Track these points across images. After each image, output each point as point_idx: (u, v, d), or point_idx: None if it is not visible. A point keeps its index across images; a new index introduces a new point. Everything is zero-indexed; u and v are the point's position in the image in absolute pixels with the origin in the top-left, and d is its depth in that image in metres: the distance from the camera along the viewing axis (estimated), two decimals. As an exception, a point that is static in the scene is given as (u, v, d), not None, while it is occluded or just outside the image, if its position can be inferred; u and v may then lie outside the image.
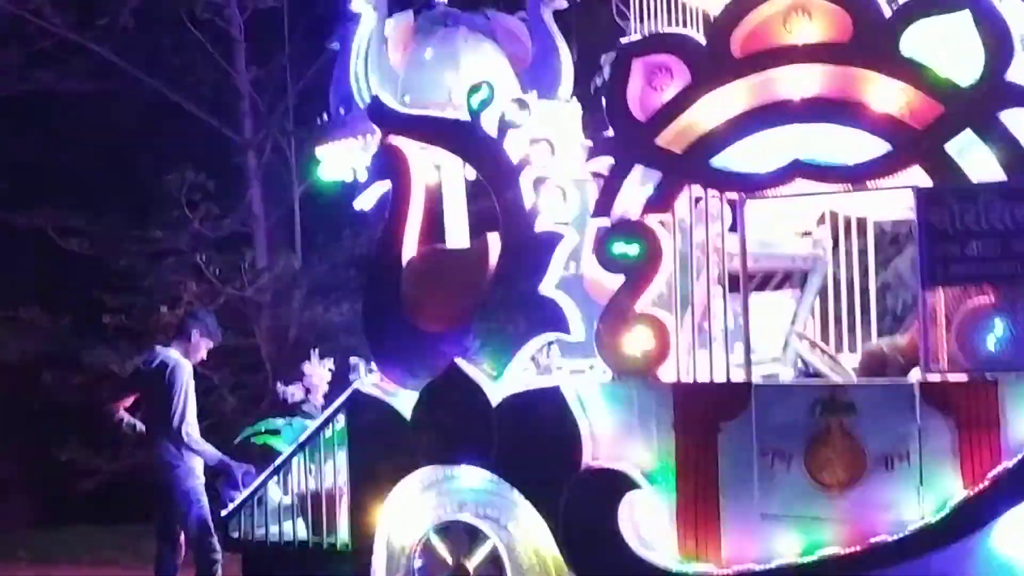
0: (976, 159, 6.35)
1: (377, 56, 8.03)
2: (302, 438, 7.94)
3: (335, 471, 7.79)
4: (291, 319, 15.02)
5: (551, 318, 7.25)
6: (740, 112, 6.83)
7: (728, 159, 6.86)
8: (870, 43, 6.50)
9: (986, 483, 6.18)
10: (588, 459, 7.07)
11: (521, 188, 7.34)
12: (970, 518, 6.20)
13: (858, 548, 6.43)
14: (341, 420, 7.77)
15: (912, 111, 6.41)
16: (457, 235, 8.18)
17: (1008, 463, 6.16)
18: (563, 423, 7.10)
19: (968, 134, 6.33)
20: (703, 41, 6.95)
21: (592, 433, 7.09)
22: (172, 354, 8.42)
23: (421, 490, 7.55)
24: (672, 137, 7.00)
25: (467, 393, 7.33)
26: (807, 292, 8.52)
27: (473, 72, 7.98)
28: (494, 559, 7.33)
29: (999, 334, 6.22)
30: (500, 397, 7.28)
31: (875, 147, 6.54)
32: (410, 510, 7.56)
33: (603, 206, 7.13)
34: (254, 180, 16.08)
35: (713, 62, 6.88)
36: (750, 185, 6.83)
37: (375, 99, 7.78)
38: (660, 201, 7.02)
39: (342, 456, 7.79)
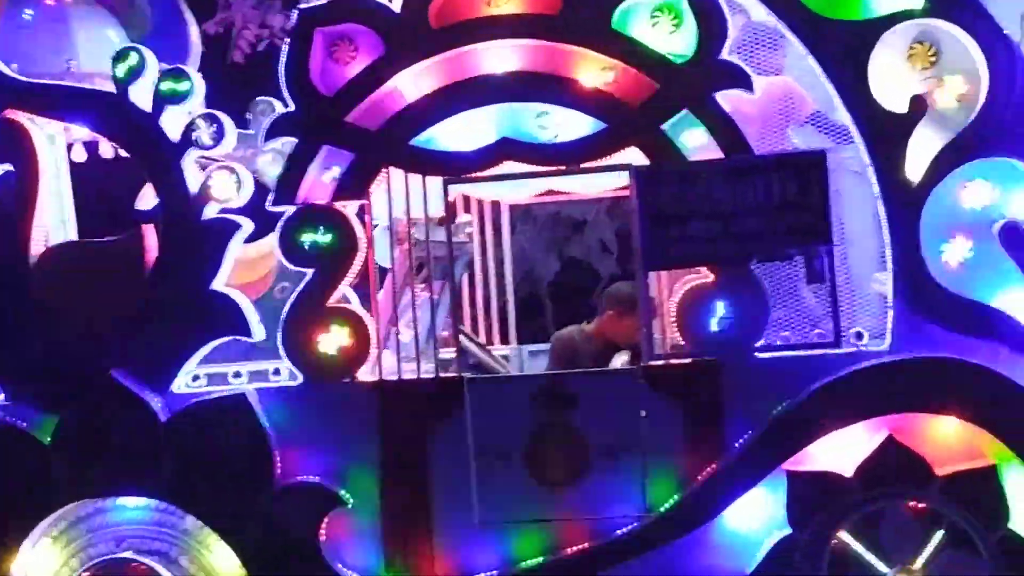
0: (693, 138, 6.21)
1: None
2: None
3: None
4: None
5: (226, 318, 6.38)
6: (441, 88, 6.31)
7: (431, 139, 6.32)
8: (580, 17, 6.20)
9: (715, 471, 6.06)
10: (280, 475, 6.27)
11: (184, 171, 6.40)
12: (703, 508, 6.07)
13: (587, 547, 6.12)
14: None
15: (626, 89, 6.18)
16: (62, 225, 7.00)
17: (734, 452, 6.06)
18: (251, 436, 6.29)
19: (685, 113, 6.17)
20: (397, 9, 6.36)
21: (284, 445, 6.30)
22: None
23: (67, 528, 6.42)
24: (364, 114, 6.35)
25: (126, 409, 6.31)
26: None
27: (89, 37, 6.93)
28: (167, 598, 6.35)
29: (720, 316, 6.13)
30: (170, 411, 6.31)
31: (590, 126, 6.24)
32: (53, 555, 6.40)
33: (286, 192, 6.37)
34: None
35: (409, 33, 6.32)
36: (455, 167, 6.34)
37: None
38: (354, 185, 6.36)
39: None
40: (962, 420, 5.93)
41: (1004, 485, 5.93)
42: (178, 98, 6.44)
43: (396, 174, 6.37)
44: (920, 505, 5.96)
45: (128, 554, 6.38)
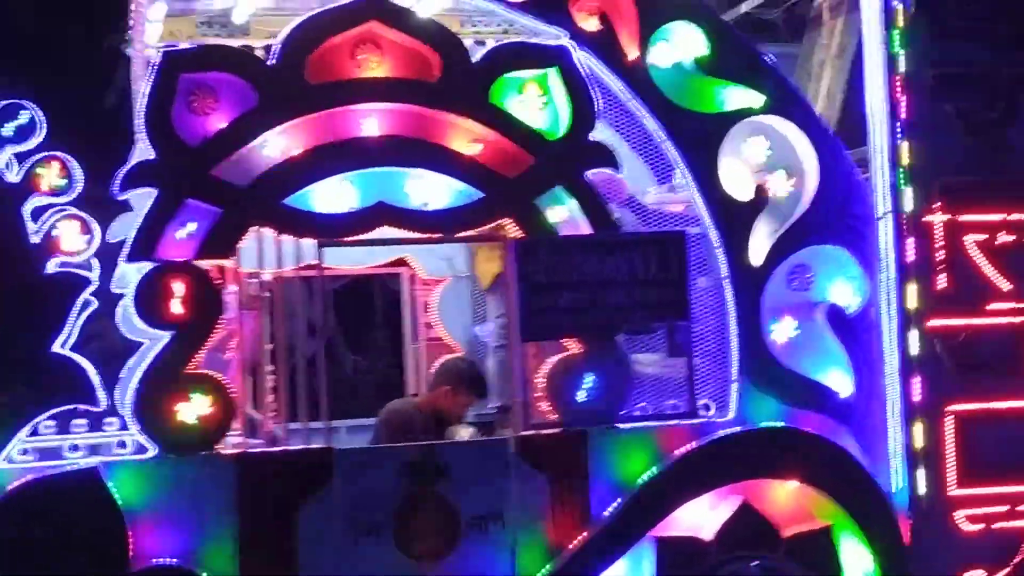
0: (556, 213, 6.37)
1: None
2: None
3: None
4: None
5: (69, 385, 5.76)
6: (316, 147, 6.09)
7: (304, 199, 6.07)
8: (459, 87, 6.23)
9: (585, 540, 6.18)
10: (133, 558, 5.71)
11: (23, 218, 5.75)
12: (576, 570, 6.16)
13: (461, 623, 6.04)
14: None
15: (503, 160, 6.26)
16: None
17: (602, 521, 6.21)
18: (103, 515, 5.68)
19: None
20: (270, 61, 6.08)
21: (135, 525, 5.75)
22: None
23: None
24: (231, 169, 6.00)
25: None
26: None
27: None
28: None
29: (588, 386, 6.29)
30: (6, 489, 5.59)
31: (453, 196, 6.25)
32: None
33: (144, 247, 5.87)
34: None
35: (284, 87, 6.06)
36: (329, 229, 6.12)
37: None
38: (220, 242, 5.97)
39: None
40: (802, 483, 6.42)
41: (837, 544, 6.47)
42: (18, 137, 5.77)
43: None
44: (763, 565, 6.37)
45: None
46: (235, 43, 6.93)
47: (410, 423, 6.77)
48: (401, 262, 7.91)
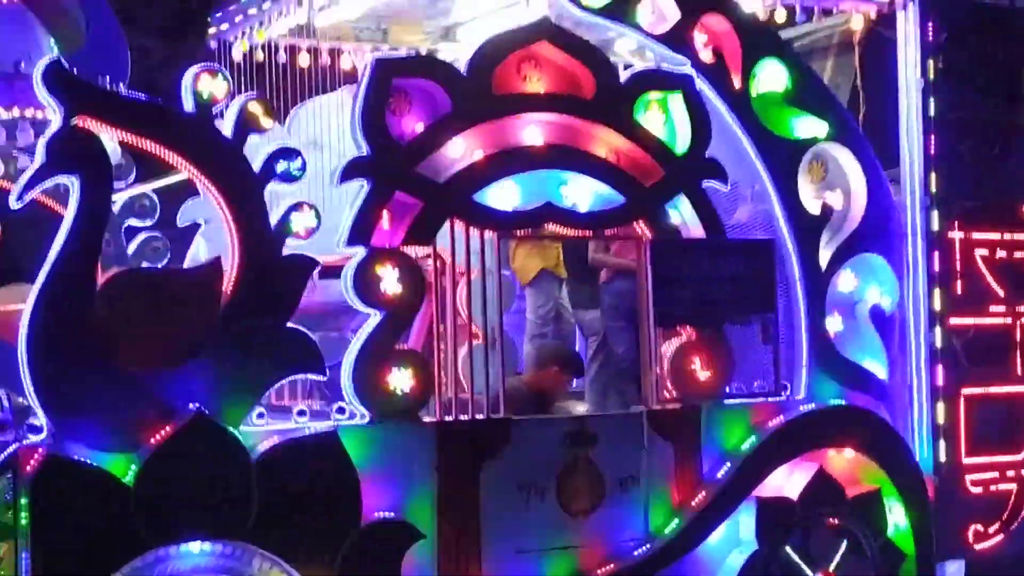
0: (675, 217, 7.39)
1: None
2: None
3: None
4: None
5: (301, 356, 6.33)
6: (499, 151, 6.88)
7: (486, 195, 6.85)
8: (610, 104, 7.15)
9: (706, 501, 7.21)
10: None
11: (265, 203, 6.29)
12: (697, 532, 7.18)
13: (611, 569, 6.94)
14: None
15: (641, 170, 7.22)
16: None
17: (716, 483, 7.26)
18: (341, 473, 6.29)
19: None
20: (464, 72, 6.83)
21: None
22: None
23: (128, 580, 5.89)
24: (429, 166, 6.72)
25: (218, 448, 6.02)
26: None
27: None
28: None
29: (701, 368, 7.34)
30: (259, 449, 6.12)
31: (605, 198, 7.17)
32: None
33: (360, 234, 6.50)
34: None
35: (474, 96, 6.82)
36: (507, 224, 6.92)
37: (56, 64, 5.88)
38: (422, 232, 6.67)
39: None
40: (857, 451, 7.69)
41: (884, 504, 7.77)
42: (263, 129, 6.29)
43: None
44: (834, 521, 7.58)
45: (194, 607, 5.97)
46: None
47: (519, 399, 7.58)
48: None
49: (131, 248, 8.10)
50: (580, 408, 7.67)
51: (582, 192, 7.12)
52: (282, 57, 8.44)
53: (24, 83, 6.17)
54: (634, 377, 7.83)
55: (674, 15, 7.42)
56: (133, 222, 8.07)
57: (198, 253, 8.23)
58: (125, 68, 7.04)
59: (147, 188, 8.22)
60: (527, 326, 8.66)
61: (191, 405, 5.98)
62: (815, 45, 9.49)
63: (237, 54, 8.21)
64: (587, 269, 8.38)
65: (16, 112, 6.23)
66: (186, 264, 8.17)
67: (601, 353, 8.28)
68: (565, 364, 7.77)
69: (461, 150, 6.81)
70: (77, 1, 6.84)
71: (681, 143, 7.33)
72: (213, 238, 7.82)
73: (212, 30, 8.38)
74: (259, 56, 8.33)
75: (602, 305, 8.22)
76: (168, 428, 5.93)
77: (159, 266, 6.32)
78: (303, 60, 8.54)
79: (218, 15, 8.34)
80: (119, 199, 7.89)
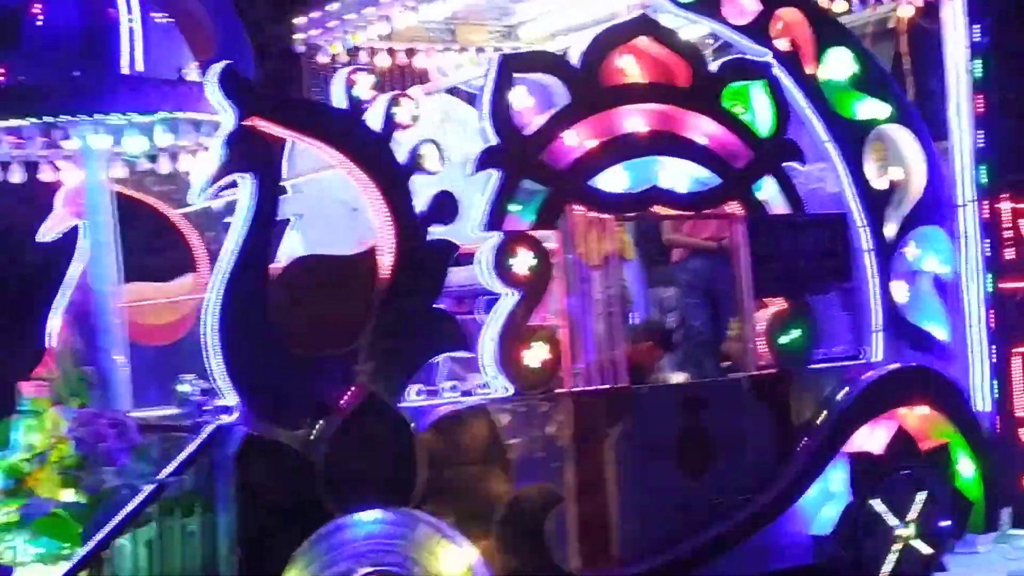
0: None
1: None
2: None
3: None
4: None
5: (449, 335, 6.78)
6: (612, 138, 7.37)
7: (598, 181, 7.34)
8: (703, 92, 7.68)
9: (805, 456, 7.76)
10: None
11: (411, 193, 6.73)
12: (799, 486, 7.73)
13: (729, 525, 7.46)
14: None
15: (731, 153, 7.76)
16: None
17: (811, 441, 7.82)
18: (494, 443, 6.74)
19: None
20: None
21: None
22: None
23: (308, 548, 6.29)
24: (552, 155, 7.20)
25: (387, 424, 6.45)
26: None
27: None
28: (412, 609, 6.49)
29: (792, 335, 7.89)
30: (422, 423, 6.56)
31: (700, 181, 7.70)
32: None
33: (495, 219, 6.96)
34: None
35: (588, 88, 7.30)
36: (619, 207, 7.41)
37: (230, 69, 6.27)
38: (547, 216, 7.14)
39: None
40: (930, 408, 8.29)
41: (955, 456, 8.38)
42: (407, 124, 6.71)
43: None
44: (913, 472, 8.17)
45: (365, 570, 6.37)
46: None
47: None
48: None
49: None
50: (675, 378, 8.16)
51: (678, 175, 7.63)
52: (363, 58, 8.84)
53: (186, 88, 6.53)
54: (711, 349, 8.39)
55: (754, 8, 7.95)
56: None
57: (292, 246, 8.60)
58: (250, 71, 7.38)
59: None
60: (595, 306, 9.13)
61: (360, 384, 6.38)
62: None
63: (326, 57, 8.60)
64: (661, 250, 8.90)
65: (179, 115, 6.54)
66: (280, 257, 8.54)
67: (680, 328, 8.79)
68: (659, 340, 8.26)
69: (574, 139, 7.29)
70: (209, 10, 7.17)
71: (761, 127, 7.87)
72: (305, 231, 8.23)
73: (300, 36, 8.76)
74: (344, 57, 8.72)
75: (678, 283, 8.74)
76: (342, 407, 6.32)
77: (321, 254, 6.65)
78: (381, 60, 8.94)
79: (306, 20, 8.72)
80: (222, 199, 8.23)
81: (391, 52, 9.03)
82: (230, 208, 8.41)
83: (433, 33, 9.21)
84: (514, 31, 9.48)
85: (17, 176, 7.11)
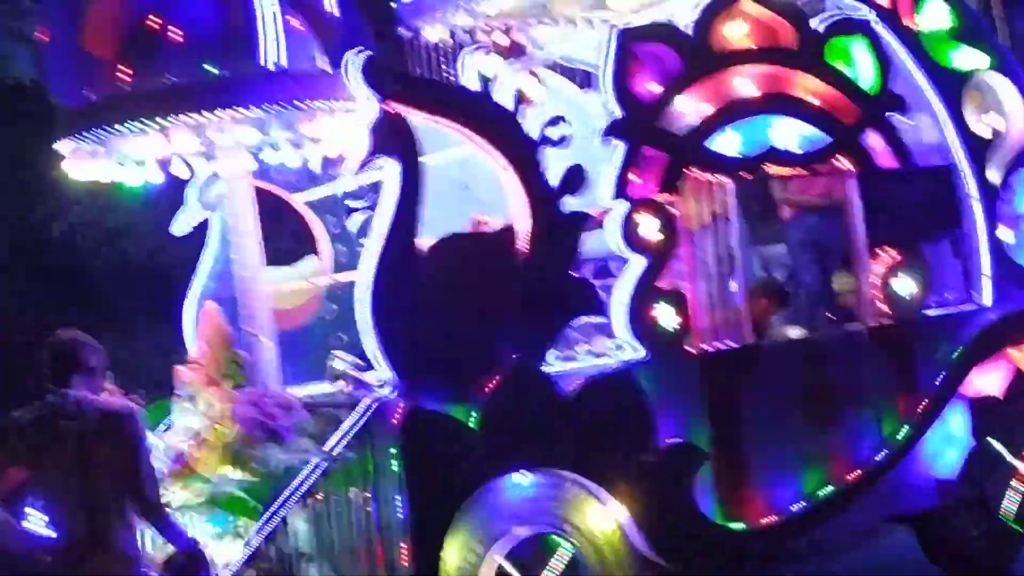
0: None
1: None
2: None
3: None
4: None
5: (587, 300, 7.02)
6: (727, 103, 7.57)
7: (713, 144, 7.54)
8: (809, 52, 7.85)
9: (927, 403, 7.94)
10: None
11: (543, 167, 6.95)
12: (921, 431, 7.93)
13: (860, 473, 7.67)
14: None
15: (838, 110, 7.93)
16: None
17: (932, 387, 8.00)
18: (638, 404, 6.98)
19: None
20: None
21: (648, 412, 7.09)
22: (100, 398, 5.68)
23: (467, 510, 6.56)
24: (667, 121, 7.40)
25: (538, 388, 6.71)
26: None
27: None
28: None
29: (908, 286, 8.07)
30: (566, 387, 6.81)
31: (809, 139, 7.88)
32: (458, 537, 6.52)
33: (621, 188, 7.18)
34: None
35: (700, 55, 7.50)
36: (736, 169, 7.60)
37: (372, 59, 6.51)
38: (669, 182, 7.35)
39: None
40: (1041, 349, 8.46)
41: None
42: (535, 102, 6.94)
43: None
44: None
45: (523, 530, 6.63)
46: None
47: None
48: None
49: (352, 226, 8.71)
50: (792, 333, 8.36)
51: (788, 134, 7.81)
52: (462, 37, 9.04)
53: (325, 78, 6.75)
54: (821, 303, 8.57)
55: (854, -34, 8.12)
56: (352, 203, 8.67)
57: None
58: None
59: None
60: (699, 267, 9.34)
61: (508, 353, 6.63)
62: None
63: (433, 36, 8.80)
64: (768, 208, 9.08)
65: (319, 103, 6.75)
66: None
67: (789, 284, 8.98)
68: (774, 296, 8.46)
69: (687, 104, 7.49)
70: (336, 5, 7.35)
71: (864, 82, 8.04)
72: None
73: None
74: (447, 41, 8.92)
75: (788, 240, 8.93)
76: (495, 377, 6.58)
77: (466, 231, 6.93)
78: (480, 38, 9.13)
79: (409, 4, 8.93)
80: (339, 186, 8.49)
81: (488, 29, 9.20)
82: (350, 194, 8.76)
83: (527, 8, 9.37)
84: (602, 1, 9.62)
85: (156, 175, 7.36)
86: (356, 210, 8.83)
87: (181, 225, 8.24)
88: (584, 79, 8.95)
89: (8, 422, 5.61)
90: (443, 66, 8.76)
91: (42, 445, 5.49)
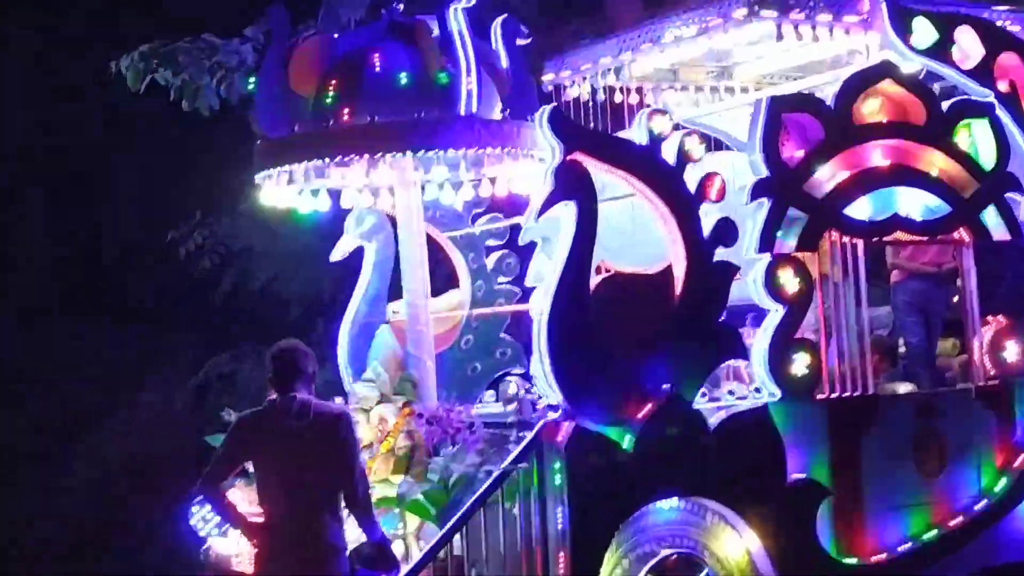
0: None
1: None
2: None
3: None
4: None
5: (732, 345, 7.65)
6: (861, 171, 8.23)
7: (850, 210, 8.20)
8: (937, 129, 8.52)
9: (1019, 460, 8.55)
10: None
11: (700, 219, 7.60)
12: (1021, 489, 8.52)
13: (963, 520, 8.26)
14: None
15: (959, 185, 8.59)
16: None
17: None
18: (772, 441, 7.59)
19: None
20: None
21: (783, 449, 7.71)
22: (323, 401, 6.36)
23: (621, 530, 7.18)
24: (807, 184, 8.06)
25: (688, 421, 7.32)
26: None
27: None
28: (707, 585, 7.36)
29: (1014, 350, 8.69)
30: (713, 422, 7.43)
31: (931, 209, 8.52)
32: (615, 552, 7.14)
33: (766, 243, 7.83)
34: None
35: (841, 127, 8.17)
36: (867, 233, 8.25)
37: (557, 110, 7.20)
38: (809, 240, 8.00)
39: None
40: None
41: None
42: (696, 159, 7.61)
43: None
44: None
45: (665, 551, 7.24)
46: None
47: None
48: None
49: (489, 263, 9.37)
50: (901, 388, 8.97)
51: (912, 204, 8.46)
52: (600, 96, 9.76)
53: (508, 126, 7.46)
54: (926, 363, 9.19)
55: (978, 53, 8.79)
56: (490, 242, 9.34)
57: (539, 267, 9.52)
58: (535, 108, 8.28)
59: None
60: (831, 320, 9.92)
61: (664, 387, 7.26)
62: None
63: (576, 92, 9.52)
64: (878, 272, 9.72)
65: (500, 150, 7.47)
66: (528, 277, 9.47)
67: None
68: (886, 354, 9.10)
69: (826, 171, 8.15)
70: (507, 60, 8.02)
71: (984, 160, 8.69)
72: (550, 254, 9.13)
73: (549, 76, 9.70)
74: (585, 96, 9.64)
75: (895, 302, 9.56)
76: (649, 406, 7.21)
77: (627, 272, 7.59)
78: (615, 98, 9.86)
79: (554, 62, 9.66)
80: (479, 225, 9.18)
81: (624, 90, 9.92)
82: (489, 233, 9.43)
83: (661, 74, 10.09)
84: (728, 70, 10.35)
85: (325, 204, 8.02)
86: (494, 249, 9.50)
87: (337, 253, 8.91)
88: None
89: (242, 419, 6.28)
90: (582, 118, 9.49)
91: (269, 440, 6.14)
